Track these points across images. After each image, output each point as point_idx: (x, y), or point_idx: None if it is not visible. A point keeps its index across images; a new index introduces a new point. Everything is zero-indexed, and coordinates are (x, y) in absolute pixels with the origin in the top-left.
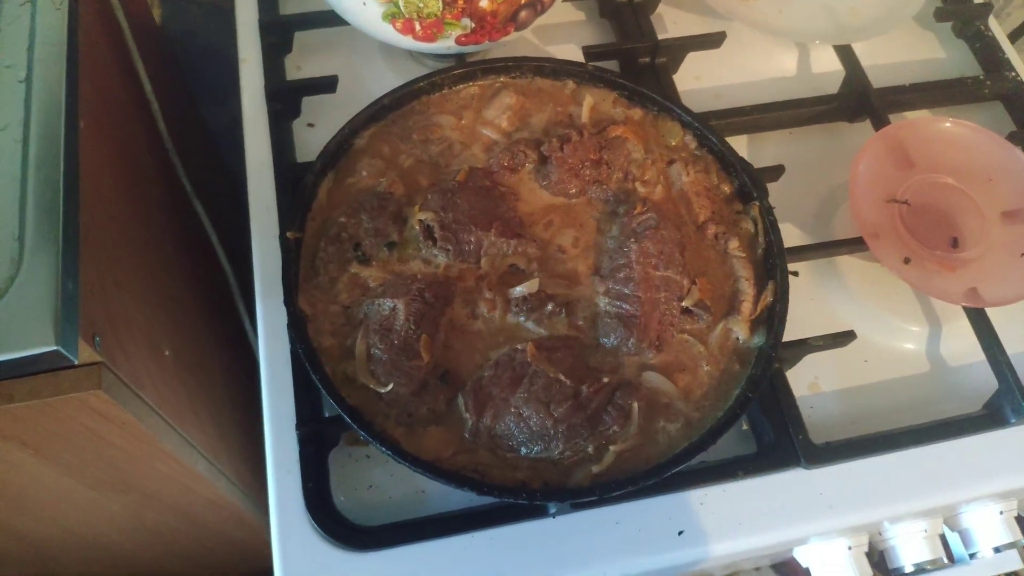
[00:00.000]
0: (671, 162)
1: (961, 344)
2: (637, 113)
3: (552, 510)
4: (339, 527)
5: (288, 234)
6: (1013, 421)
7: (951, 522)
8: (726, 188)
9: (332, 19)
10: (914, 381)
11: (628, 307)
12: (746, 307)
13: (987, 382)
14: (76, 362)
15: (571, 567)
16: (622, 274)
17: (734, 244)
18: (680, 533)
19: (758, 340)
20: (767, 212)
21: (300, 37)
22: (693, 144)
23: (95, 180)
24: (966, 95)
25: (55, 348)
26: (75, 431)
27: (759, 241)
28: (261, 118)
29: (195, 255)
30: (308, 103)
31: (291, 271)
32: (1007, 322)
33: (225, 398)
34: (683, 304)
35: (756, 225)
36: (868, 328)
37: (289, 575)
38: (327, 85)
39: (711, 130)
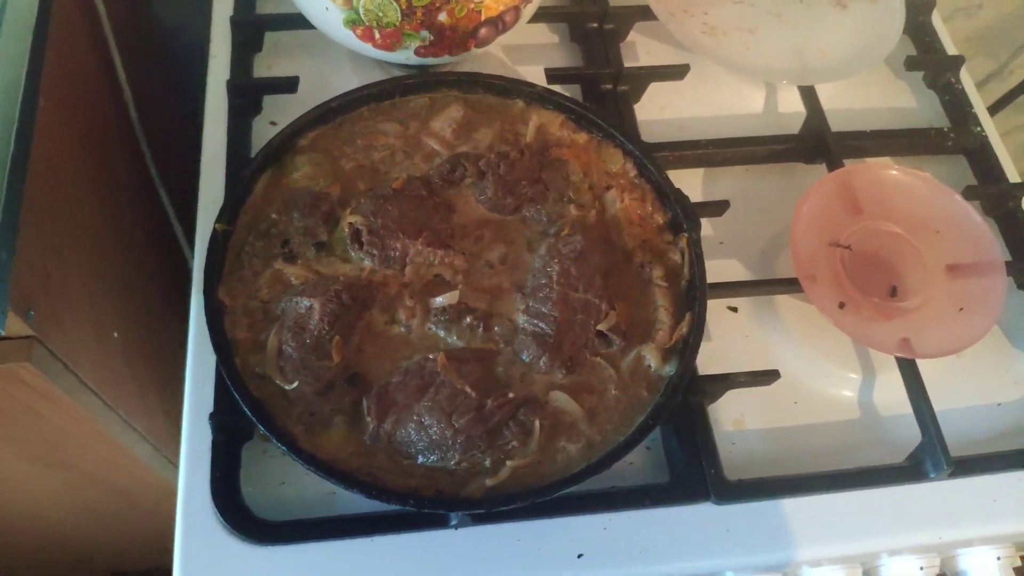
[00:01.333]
0: (608, 188)
1: (892, 394)
2: (582, 137)
3: (453, 521)
4: (241, 518)
5: (216, 225)
6: (932, 476)
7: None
8: (659, 218)
9: (303, 22)
10: (842, 427)
11: (544, 326)
12: (661, 335)
13: (914, 434)
14: (2, 333)
15: None
16: (542, 293)
17: (658, 273)
18: (580, 556)
19: (669, 369)
20: (694, 245)
21: (273, 37)
22: (633, 172)
23: (50, 159)
24: (929, 146)
25: None
26: (7, 403)
27: (684, 273)
28: (221, 112)
29: (159, 242)
30: (271, 102)
31: (214, 262)
32: (939, 377)
33: (178, 386)
34: (599, 328)
35: (683, 256)
36: (800, 370)
37: (188, 561)
38: (288, 85)
39: (651, 160)
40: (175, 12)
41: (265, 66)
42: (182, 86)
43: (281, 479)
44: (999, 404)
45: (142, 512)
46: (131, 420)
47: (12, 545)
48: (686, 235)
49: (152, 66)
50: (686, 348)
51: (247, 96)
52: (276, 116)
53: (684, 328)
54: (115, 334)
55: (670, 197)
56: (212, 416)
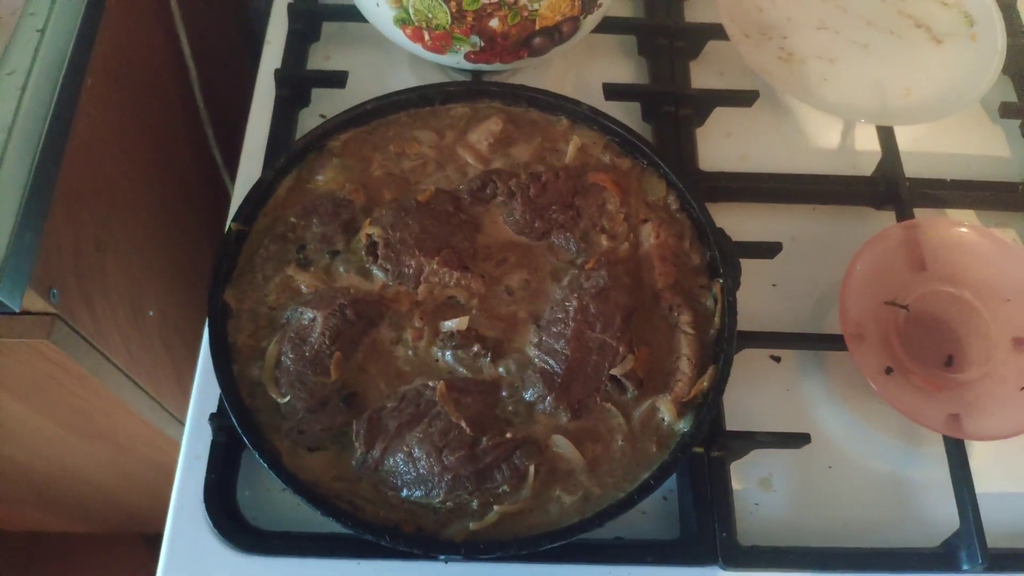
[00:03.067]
0: (645, 220)
1: (934, 471)
2: (625, 163)
3: (443, 556)
4: (230, 524)
5: (232, 225)
6: (966, 568)
7: None
8: (696, 258)
9: (361, 14)
10: (876, 499)
11: (554, 364)
12: (680, 387)
13: (952, 517)
14: (16, 310)
15: None
16: (556, 328)
17: (686, 319)
18: None
19: (683, 426)
20: (728, 292)
21: (332, 28)
22: (674, 205)
23: (94, 139)
24: (1015, 202)
25: None
26: (35, 374)
27: (714, 321)
28: (268, 101)
29: (213, 225)
30: (320, 95)
31: (224, 262)
32: (989, 457)
33: None
34: (613, 372)
35: (716, 303)
36: (839, 433)
37: (173, 560)
38: (336, 80)
39: (695, 196)
40: None
41: (322, 56)
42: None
43: (282, 485)
44: None
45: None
46: (163, 400)
47: (59, 497)
48: (720, 281)
49: (224, 43)
50: (704, 404)
51: (294, 87)
52: (325, 110)
53: (705, 382)
54: (151, 312)
55: (710, 237)
56: (213, 417)
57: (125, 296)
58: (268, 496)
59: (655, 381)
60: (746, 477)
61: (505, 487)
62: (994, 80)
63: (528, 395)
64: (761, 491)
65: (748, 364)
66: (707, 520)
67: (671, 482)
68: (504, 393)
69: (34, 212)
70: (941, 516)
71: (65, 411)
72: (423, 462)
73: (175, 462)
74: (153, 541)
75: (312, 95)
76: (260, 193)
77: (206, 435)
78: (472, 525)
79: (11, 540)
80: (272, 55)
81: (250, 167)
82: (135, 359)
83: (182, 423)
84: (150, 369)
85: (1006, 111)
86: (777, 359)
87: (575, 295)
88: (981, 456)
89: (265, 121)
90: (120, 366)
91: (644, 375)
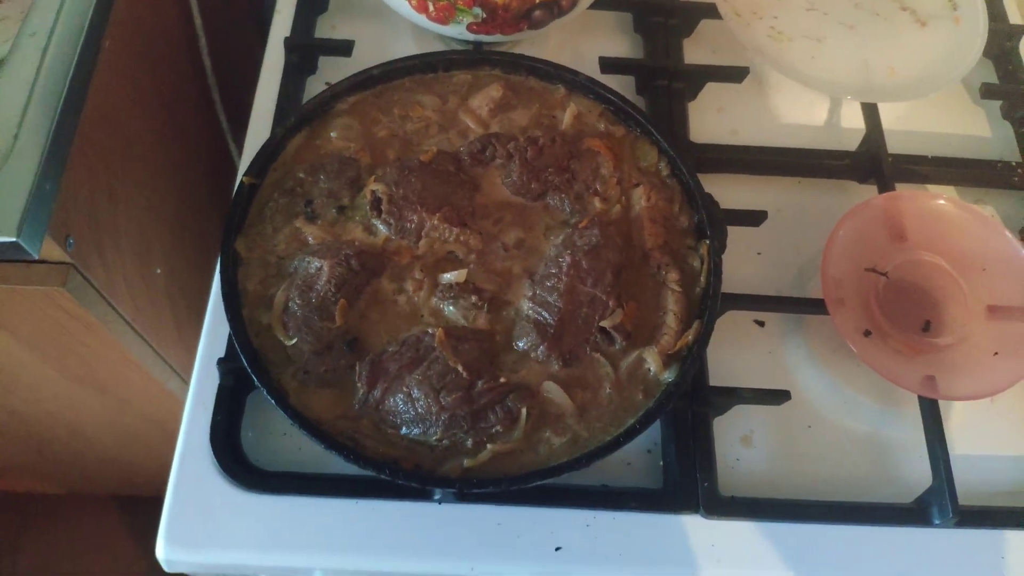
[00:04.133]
0: (636, 184)
1: (910, 431)
2: (619, 130)
3: (437, 496)
4: (234, 463)
5: (244, 178)
6: (937, 522)
7: None
8: (684, 220)
9: None
10: (853, 458)
11: (547, 315)
12: (666, 340)
13: (926, 475)
14: (36, 257)
15: (440, 555)
16: (550, 283)
17: (673, 277)
18: (557, 549)
19: (668, 376)
20: (715, 253)
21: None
22: (665, 171)
23: (109, 97)
24: (994, 179)
25: (14, 240)
26: (45, 322)
27: (700, 280)
28: (277, 67)
29: (219, 185)
30: (327, 63)
31: (237, 213)
32: (965, 420)
33: None
34: (603, 324)
35: (702, 263)
36: (819, 394)
37: (179, 497)
38: (343, 48)
39: (684, 161)
40: None
41: (329, 26)
42: (262, 34)
43: (283, 430)
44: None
45: (174, 441)
46: (165, 354)
47: (56, 455)
48: (707, 242)
49: (232, 11)
50: (689, 356)
51: (303, 55)
52: (331, 77)
53: (690, 336)
54: (158, 269)
55: (698, 201)
56: (221, 361)
57: (134, 249)
58: (270, 439)
59: (643, 334)
60: (728, 434)
61: (498, 428)
62: (975, 61)
63: (521, 344)
64: (742, 447)
65: (733, 328)
66: (689, 471)
67: (656, 435)
68: (498, 341)
69: (54, 163)
70: (915, 474)
71: (71, 361)
72: (421, 402)
73: (173, 417)
74: (131, 503)
75: (319, 63)
76: (271, 149)
77: (213, 379)
78: (466, 462)
79: (5, 500)
80: (282, 24)
81: (259, 127)
82: (141, 311)
83: (182, 377)
84: (154, 322)
85: (987, 92)
86: (761, 323)
87: (568, 251)
88: (955, 420)
89: (274, 86)
90: (127, 318)
91: (632, 328)
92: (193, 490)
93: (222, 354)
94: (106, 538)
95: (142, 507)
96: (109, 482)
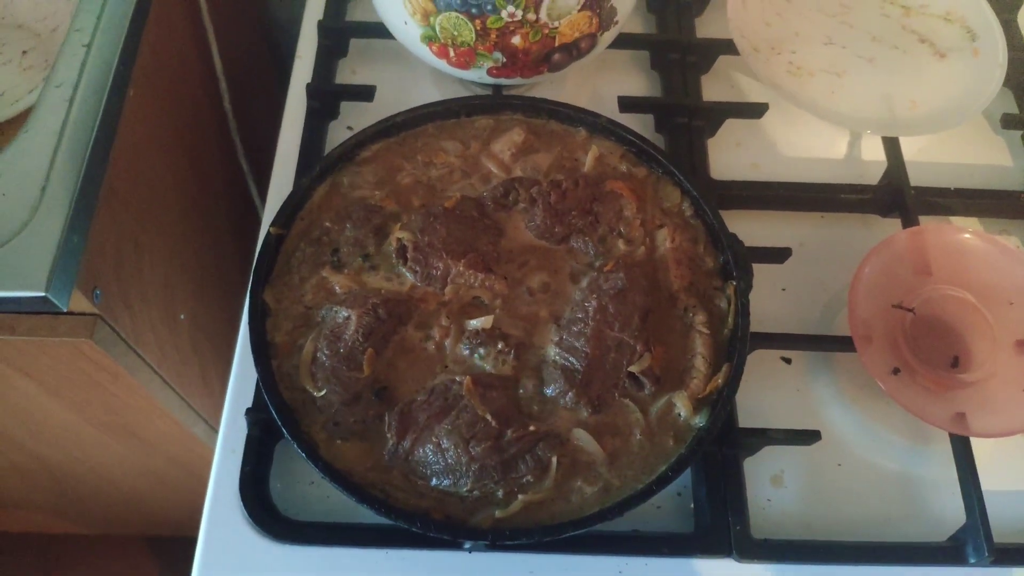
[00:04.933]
0: (660, 226)
1: (942, 468)
2: (641, 171)
3: (467, 545)
4: (263, 514)
5: (271, 229)
6: (973, 561)
7: None
8: (710, 261)
9: (388, 32)
10: (885, 496)
11: (574, 361)
12: (695, 384)
13: (959, 513)
14: (65, 310)
15: None
16: (576, 327)
17: (701, 319)
18: None
19: (699, 421)
20: (741, 294)
21: (360, 44)
22: (688, 211)
23: (136, 148)
24: (1016, 210)
25: (43, 295)
26: (72, 372)
27: (728, 322)
28: (299, 113)
29: (241, 232)
30: (349, 108)
31: (264, 264)
32: (995, 456)
33: None
34: (631, 369)
35: (729, 304)
36: (849, 432)
37: (210, 548)
38: (365, 93)
39: (708, 202)
40: (276, 10)
41: (349, 71)
42: (281, 78)
43: (311, 479)
44: None
45: (200, 482)
46: (190, 399)
47: (81, 496)
48: (734, 283)
49: (251, 57)
50: (719, 400)
51: (324, 100)
52: (353, 122)
53: (720, 379)
54: (182, 316)
55: (723, 241)
56: (248, 411)
57: (159, 296)
58: (298, 487)
59: (671, 378)
60: (758, 474)
61: (529, 477)
62: (996, 92)
63: (550, 391)
64: (773, 488)
65: (760, 366)
66: (721, 514)
67: (686, 478)
68: (527, 389)
69: (82, 215)
70: (948, 512)
71: (96, 408)
72: (451, 452)
73: (199, 460)
74: (156, 544)
75: (341, 108)
76: (297, 199)
77: (241, 429)
78: (498, 513)
79: (27, 542)
80: (303, 69)
81: (282, 173)
82: (166, 358)
83: (208, 422)
84: (180, 369)
85: (1008, 122)
86: (788, 361)
87: (594, 295)
88: (987, 456)
89: (296, 132)
90: (153, 365)
91: (661, 372)
92: (223, 541)
93: (249, 403)
94: None
95: (168, 548)
96: (134, 523)
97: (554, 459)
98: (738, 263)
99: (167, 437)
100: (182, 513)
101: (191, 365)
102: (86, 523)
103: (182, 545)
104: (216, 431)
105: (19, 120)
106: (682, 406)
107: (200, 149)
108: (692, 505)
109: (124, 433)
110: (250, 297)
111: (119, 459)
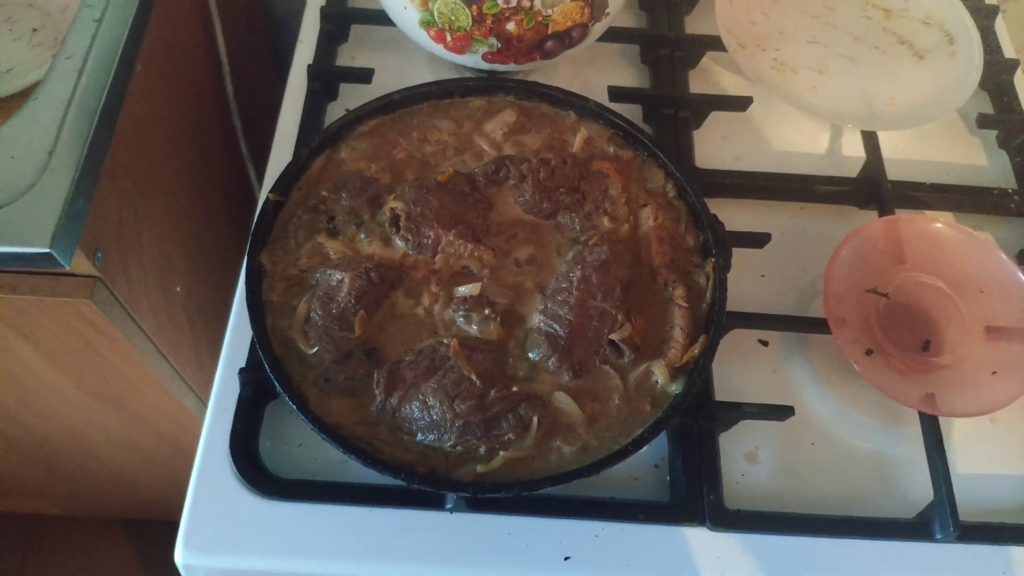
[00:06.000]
0: (644, 205)
1: (912, 448)
2: (628, 154)
3: (449, 504)
4: (253, 471)
5: (270, 195)
6: (939, 537)
7: None
8: (690, 240)
9: (387, 18)
10: (856, 474)
11: (558, 328)
12: (673, 354)
13: (928, 491)
14: (68, 268)
15: (451, 563)
16: (561, 297)
17: (680, 293)
18: (567, 559)
19: (675, 388)
20: (720, 270)
21: (360, 30)
22: (672, 193)
23: (140, 121)
24: (990, 206)
25: (48, 251)
26: (70, 334)
27: (706, 296)
28: (300, 94)
29: (238, 209)
30: (348, 90)
31: (262, 228)
32: (967, 439)
33: None
34: (612, 337)
35: (708, 280)
36: (823, 412)
37: (199, 503)
38: (363, 76)
39: (690, 184)
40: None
41: (348, 56)
42: (279, 67)
43: (299, 440)
44: None
45: (187, 460)
46: (182, 370)
47: (67, 473)
48: (713, 260)
49: (253, 45)
50: (695, 369)
51: (325, 81)
52: (351, 104)
53: (696, 349)
54: (178, 288)
55: (703, 221)
56: (242, 371)
57: (156, 267)
58: (287, 449)
59: (650, 348)
60: (734, 450)
61: (511, 435)
62: (971, 92)
63: (533, 355)
64: (747, 464)
65: (737, 347)
66: (696, 485)
67: (663, 450)
68: (511, 352)
69: (87, 179)
70: (917, 490)
71: (90, 374)
72: (436, 409)
73: (187, 436)
74: (136, 528)
75: (340, 90)
76: (295, 169)
77: (234, 389)
78: (479, 468)
79: (7, 523)
80: (304, 52)
81: (281, 149)
82: (161, 328)
83: (197, 394)
84: (173, 339)
85: (983, 122)
86: (765, 343)
87: (579, 266)
88: (956, 440)
89: (296, 110)
90: (148, 333)
91: (640, 342)
92: (212, 496)
93: (243, 364)
94: (113, 564)
95: (151, 532)
96: (119, 503)
97: (535, 419)
98: (718, 242)
99: (156, 408)
100: (168, 494)
101: (184, 336)
102: (70, 503)
103: (164, 529)
104: (206, 404)
105: (27, 93)
106: (660, 374)
107: (201, 128)
108: (668, 477)
109: (114, 403)
110: (247, 258)
111: (108, 432)
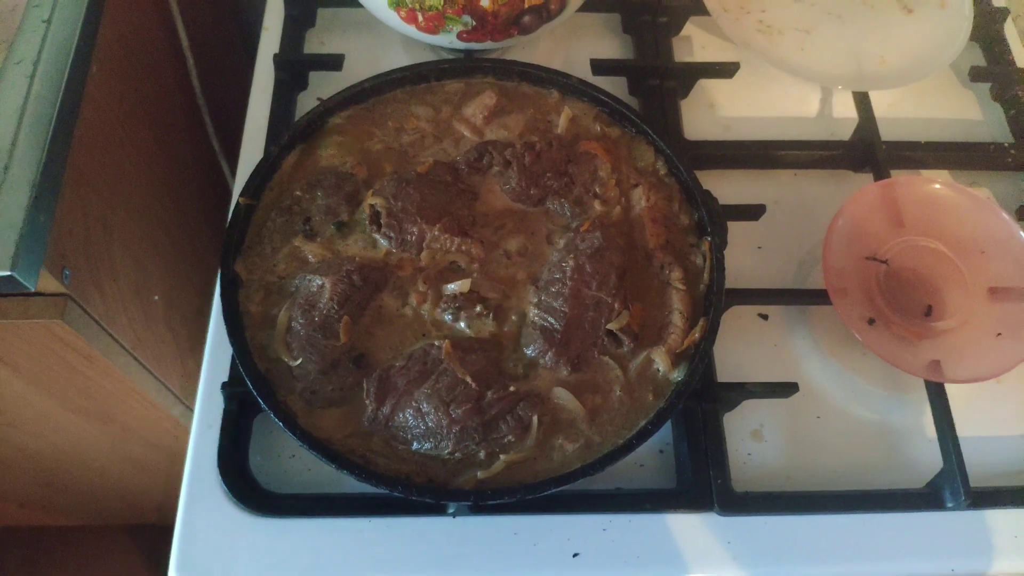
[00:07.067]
0: (635, 185)
1: (918, 416)
2: (615, 131)
3: (451, 510)
4: (243, 488)
5: (240, 199)
6: (950, 505)
7: None
8: (685, 219)
9: (354, 0)
10: (863, 446)
11: (553, 321)
12: (673, 339)
13: (936, 460)
14: (33, 289)
15: (457, 569)
16: (555, 288)
17: (676, 275)
18: (575, 555)
19: (678, 375)
20: (716, 249)
21: (327, 13)
22: (663, 170)
23: (100, 126)
24: (987, 161)
25: (10, 274)
26: (46, 355)
27: (704, 277)
28: (268, 85)
29: (214, 211)
30: (318, 78)
31: (235, 235)
32: (971, 402)
33: None
34: (610, 327)
35: (705, 260)
36: (826, 384)
37: (189, 524)
38: (333, 63)
39: (681, 160)
40: None
41: (317, 41)
42: (251, 56)
43: (291, 452)
44: None
45: (183, 467)
46: (167, 381)
47: (66, 487)
48: (708, 239)
49: (219, 35)
50: (697, 354)
51: (292, 71)
52: (322, 92)
53: (697, 334)
54: (156, 297)
55: (697, 198)
56: (225, 385)
57: (131, 277)
58: (278, 461)
59: (649, 335)
60: (739, 429)
61: (510, 437)
62: (963, 46)
63: (529, 351)
64: (753, 442)
65: (737, 322)
66: (702, 469)
67: (668, 435)
68: (506, 350)
69: (47, 193)
70: (925, 459)
71: (73, 393)
72: (431, 416)
73: (178, 444)
74: (142, 533)
75: (310, 79)
76: (266, 168)
77: (218, 404)
78: (480, 474)
79: (14, 536)
80: (270, 41)
81: (252, 146)
82: (141, 341)
83: (185, 404)
84: (155, 350)
85: (976, 75)
86: (765, 317)
87: (571, 256)
88: (962, 404)
89: (265, 104)
90: (127, 347)
91: (639, 329)
92: (203, 517)
93: (225, 378)
94: (119, 570)
95: (155, 537)
96: (120, 512)
97: (535, 418)
98: (712, 219)
99: (145, 421)
100: (166, 500)
101: (167, 346)
102: (72, 514)
103: (169, 533)
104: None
105: None
106: (661, 361)
107: (169, 127)
108: (674, 462)
109: (102, 418)
110: (221, 268)
111: (99, 446)
